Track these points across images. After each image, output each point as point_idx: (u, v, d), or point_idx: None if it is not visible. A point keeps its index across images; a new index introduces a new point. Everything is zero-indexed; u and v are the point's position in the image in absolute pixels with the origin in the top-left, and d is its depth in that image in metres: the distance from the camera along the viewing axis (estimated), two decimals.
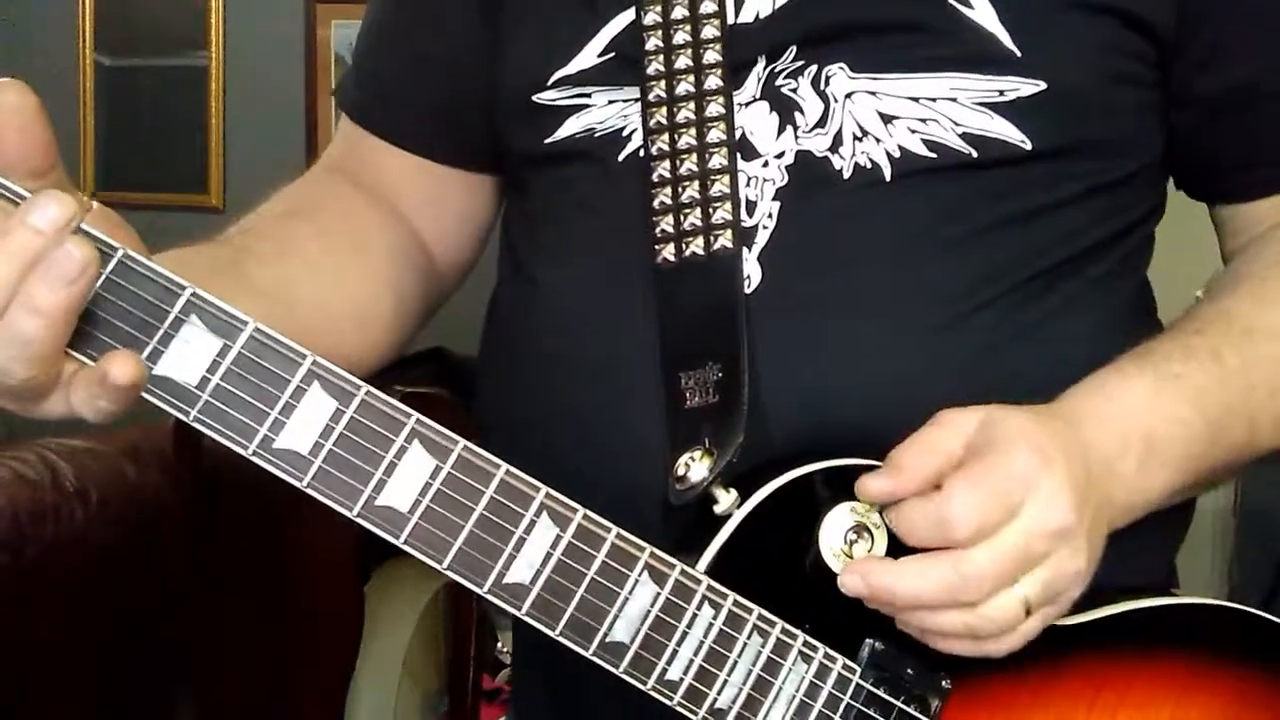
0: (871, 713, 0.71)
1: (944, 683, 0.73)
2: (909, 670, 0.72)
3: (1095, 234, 0.79)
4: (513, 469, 0.65)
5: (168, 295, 0.60)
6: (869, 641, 0.72)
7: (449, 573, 0.65)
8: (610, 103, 0.79)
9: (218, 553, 1.62)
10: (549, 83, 0.80)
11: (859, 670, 0.71)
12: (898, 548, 0.71)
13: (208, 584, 1.62)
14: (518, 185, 0.88)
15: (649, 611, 0.67)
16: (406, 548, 0.64)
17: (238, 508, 1.64)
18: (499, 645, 2.52)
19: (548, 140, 0.81)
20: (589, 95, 0.79)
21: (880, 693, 0.72)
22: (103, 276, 0.58)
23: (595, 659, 0.67)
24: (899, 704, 0.72)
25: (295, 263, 0.80)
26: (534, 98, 0.81)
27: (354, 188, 0.89)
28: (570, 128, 0.80)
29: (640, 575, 0.67)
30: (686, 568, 0.69)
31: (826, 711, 0.71)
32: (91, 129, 3.11)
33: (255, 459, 0.62)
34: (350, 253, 0.85)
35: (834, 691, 0.71)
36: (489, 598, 0.66)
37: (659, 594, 0.68)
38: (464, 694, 1.74)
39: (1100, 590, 0.75)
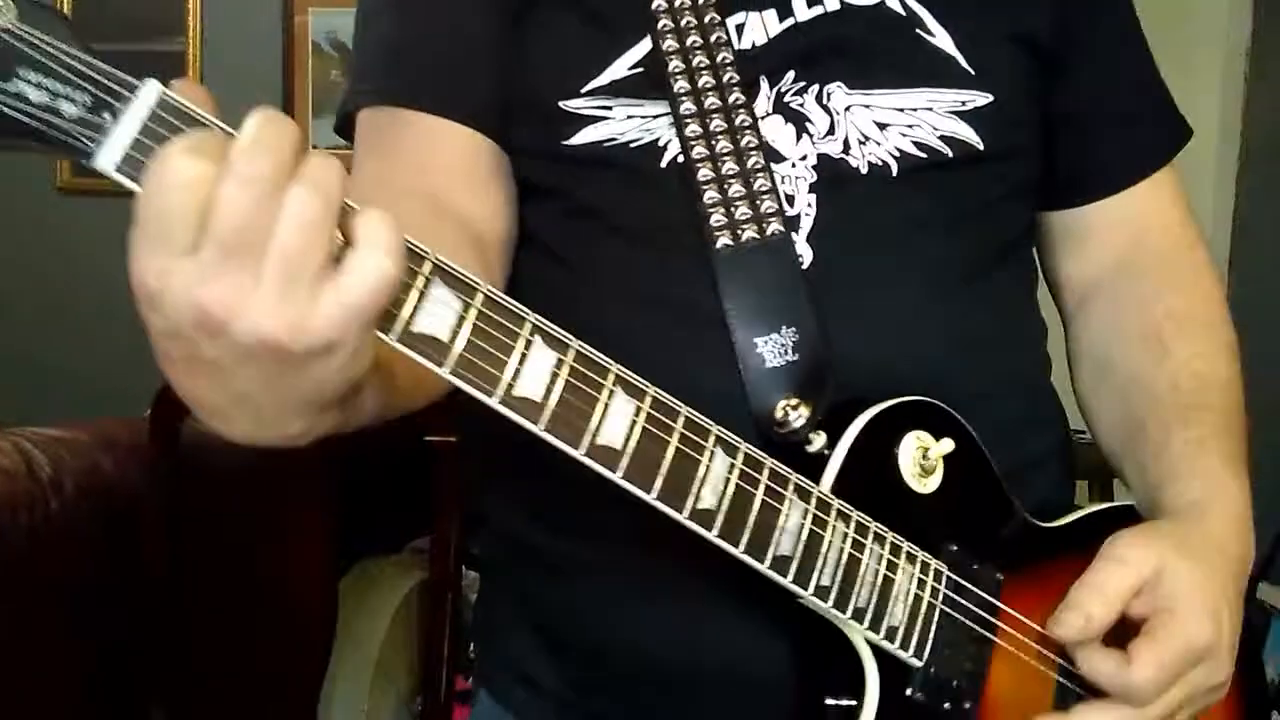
0: (962, 600, 0.85)
1: (998, 575, 0.87)
2: (975, 566, 0.86)
3: (1025, 221, 1.00)
4: (690, 409, 0.74)
5: (414, 258, 0.65)
6: (947, 545, 0.85)
7: (657, 502, 0.72)
8: (629, 117, 0.90)
9: (193, 545, 1.57)
10: (581, 91, 0.89)
11: (946, 568, 0.84)
12: (950, 477, 0.85)
13: (182, 576, 1.57)
14: (524, 182, 0.94)
15: (802, 525, 0.77)
16: (622, 482, 0.71)
17: (213, 500, 1.59)
18: (472, 645, 2.39)
19: (565, 143, 0.90)
20: (609, 109, 0.90)
21: (962, 582, 0.85)
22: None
23: (769, 572, 0.76)
24: (978, 592, 0.86)
25: None
26: (560, 103, 0.90)
27: (396, 197, 0.88)
28: (590, 135, 0.90)
29: (791, 495, 0.77)
30: (822, 490, 0.79)
31: (932, 601, 0.83)
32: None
33: (500, 408, 0.67)
34: None
35: (934, 584, 0.84)
36: (688, 523, 0.73)
37: (807, 509, 0.78)
38: (438, 694, 1.68)
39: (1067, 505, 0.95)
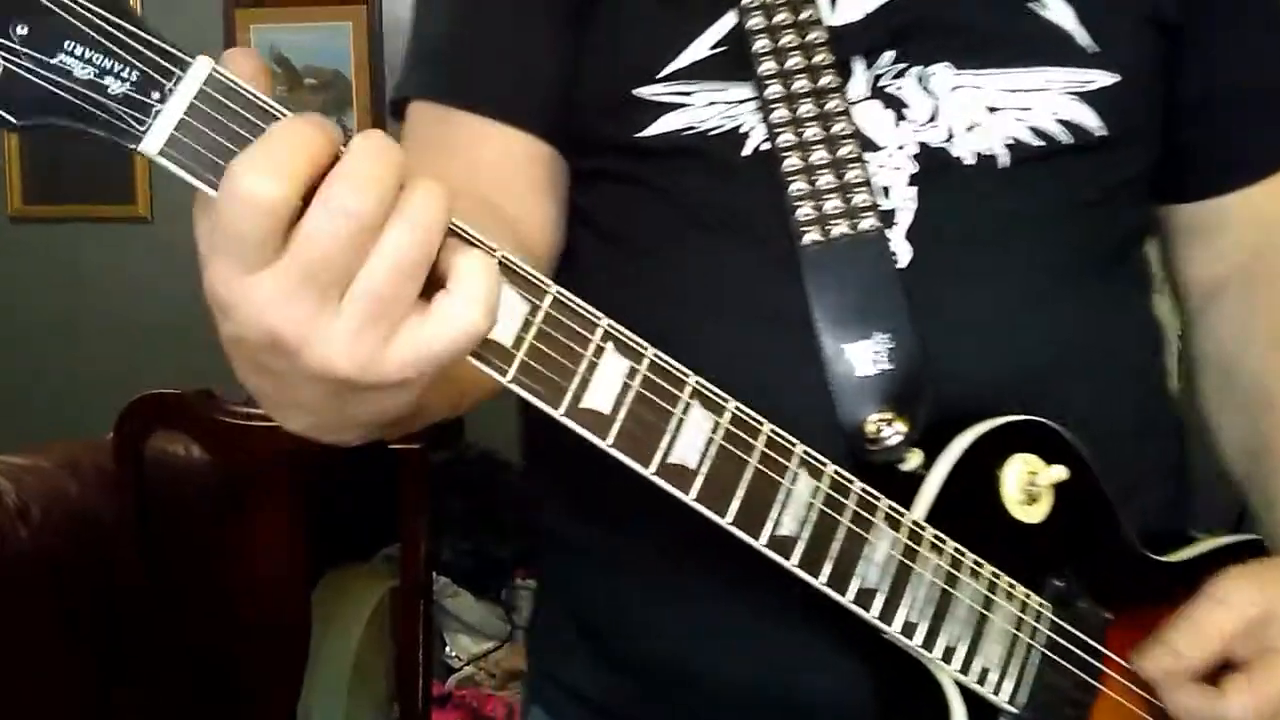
0: (1060, 640, 0.78)
1: (1106, 614, 0.80)
2: (1081, 604, 0.79)
3: (1144, 214, 0.92)
4: (773, 426, 0.68)
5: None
6: (1051, 580, 0.78)
7: (732, 527, 0.67)
8: (711, 104, 0.83)
9: (163, 565, 1.56)
10: (657, 76, 0.83)
11: (1050, 606, 0.78)
12: (1060, 505, 0.78)
13: (153, 597, 1.56)
14: (598, 174, 0.88)
15: (890, 556, 0.71)
16: (695, 504, 0.66)
17: (181, 520, 1.58)
18: (447, 649, 2.46)
19: (639, 134, 0.84)
20: (689, 95, 0.83)
21: (1064, 624, 0.78)
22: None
23: (852, 606, 0.70)
24: (1081, 634, 0.79)
25: None
26: (635, 91, 0.83)
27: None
28: (667, 124, 0.83)
29: (880, 523, 0.71)
30: (916, 519, 0.73)
31: (1031, 642, 0.76)
32: (15, 142, 2.96)
33: (566, 420, 0.62)
34: None
35: (1034, 624, 0.77)
36: (766, 551, 0.68)
37: (896, 539, 0.72)
38: (414, 699, 1.68)
39: (1181, 532, 0.87)
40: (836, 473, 0.70)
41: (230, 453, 1.36)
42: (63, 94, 0.53)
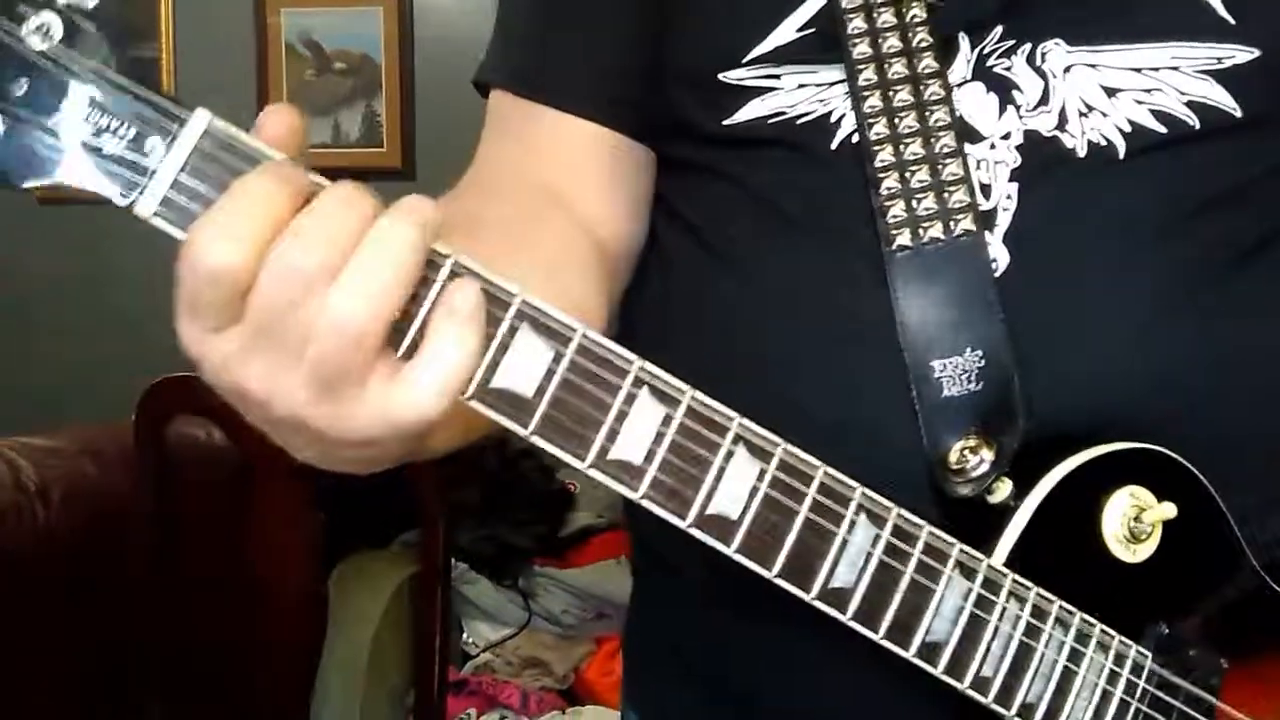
0: (1162, 695, 0.71)
1: (1222, 662, 0.73)
2: (1191, 653, 0.72)
3: None
4: (830, 469, 0.63)
5: (497, 303, 0.57)
6: (1154, 626, 0.71)
7: (778, 580, 0.63)
8: (800, 86, 0.77)
9: (181, 549, 1.60)
10: (744, 60, 0.77)
11: (1150, 656, 0.71)
12: (1170, 543, 0.71)
13: (172, 580, 1.60)
14: (686, 165, 0.84)
15: (962, 608, 0.66)
16: (737, 556, 0.62)
17: (200, 504, 1.60)
18: (464, 636, 2.52)
19: (726, 122, 0.78)
20: (778, 77, 0.77)
21: (1169, 675, 0.71)
22: (437, 283, 0.55)
23: (916, 660, 0.66)
24: (1187, 685, 0.72)
25: None
26: (720, 76, 0.78)
27: (513, 189, 0.83)
28: (754, 110, 0.78)
29: (952, 573, 0.66)
30: (992, 563, 0.67)
31: (1125, 697, 0.70)
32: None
33: (593, 472, 0.59)
34: (518, 269, 0.78)
35: (1131, 678, 0.70)
36: (816, 604, 0.64)
37: (970, 590, 0.66)
38: (430, 686, 1.71)
39: None
40: (901, 516, 0.65)
41: (251, 437, 1.34)
42: (62, 152, 0.52)
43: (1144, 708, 0.71)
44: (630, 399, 0.59)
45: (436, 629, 1.67)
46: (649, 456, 0.59)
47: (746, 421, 0.61)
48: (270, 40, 3.03)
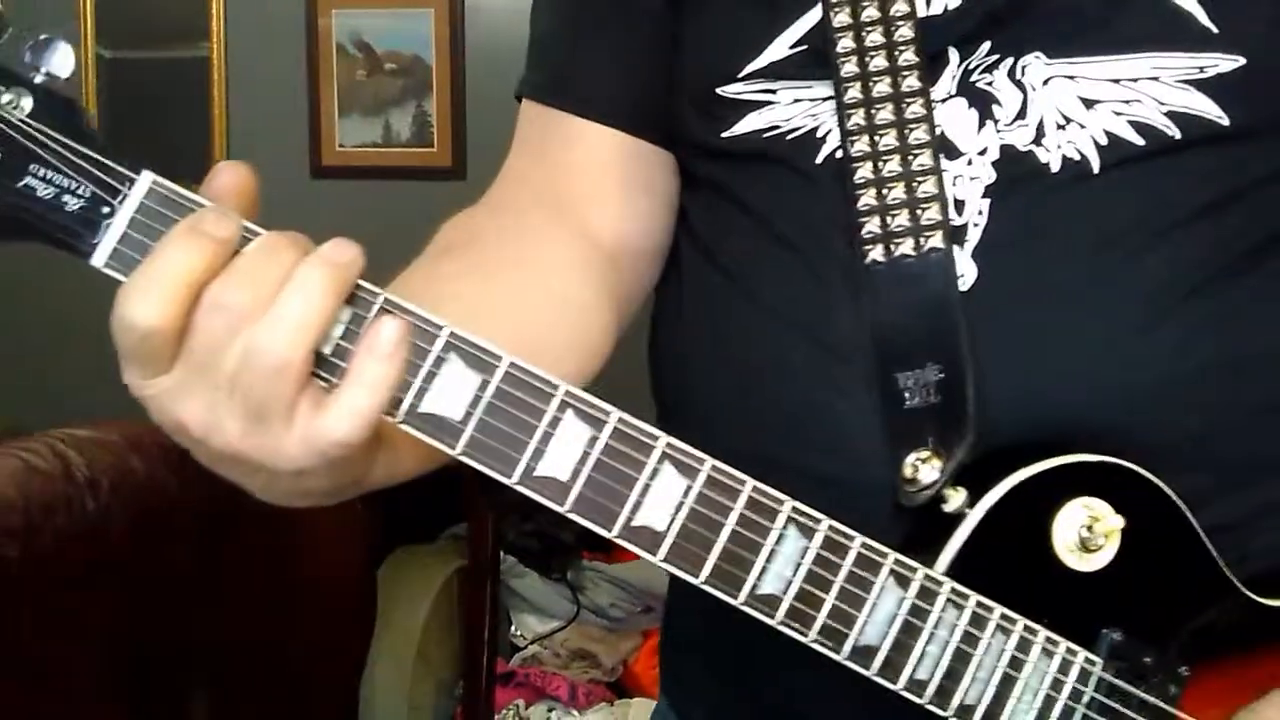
0: (1113, 703, 0.72)
1: (1183, 670, 0.73)
2: (1147, 660, 0.73)
3: None
4: (759, 484, 0.66)
5: (425, 335, 0.62)
6: (1107, 633, 0.72)
7: (706, 586, 0.66)
8: (796, 101, 0.79)
9: (229, 542, 1.61)
10: (739, 75, 0.80)
11: (1100, 663, 0.72)
12: (1128, 552, 0.71)
13: (220, 574, 1.61)
14: (692, 177, 0.87)
15: (895, 615, 0.69)
16: (664, 565, 0.66)
17: (246, 498, 1.62)
18: (512, 629, 2.56)
19: (724, 134, 0.81)
20: (774, 92, 0.80)
21: (1121, 683, 0.72)
22: (367, 320, 0.60)
23: (847, 662, 0.68)
24: (1140, 693, 0.72)
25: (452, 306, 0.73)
26: (718, 89, 0.81)
27: (524, 214, 0.87)
28: (751, 124, 0.80)
29: (885, 581, 0.68)
30: (929, 572, 0.70)
31: (1071, 703, 0.71)
32: (94, 122, 3.17)
33: (520, 488, 0.64)
34: (510, 282, 0.82)
35: (1077, 685, 0.71)
36: (743, 608, 0.67)
37: (904, 598, 0.69)
38: (478, 678, 1.74)
39: None
40: (832, 529, 0.67)
41: None
42: (29, 215, 0.59)
43: (1092, 714, 0.72)
44: (555, 422, 0.63)
45: (485, 622, 1.70)
46: (574, 474, 0.64)
47: (674, 440, 0.65)
48: (321, 41, 3.07)
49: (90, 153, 0.59)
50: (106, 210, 0.59)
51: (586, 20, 0.88)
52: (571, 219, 0.86)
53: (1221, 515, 0.75)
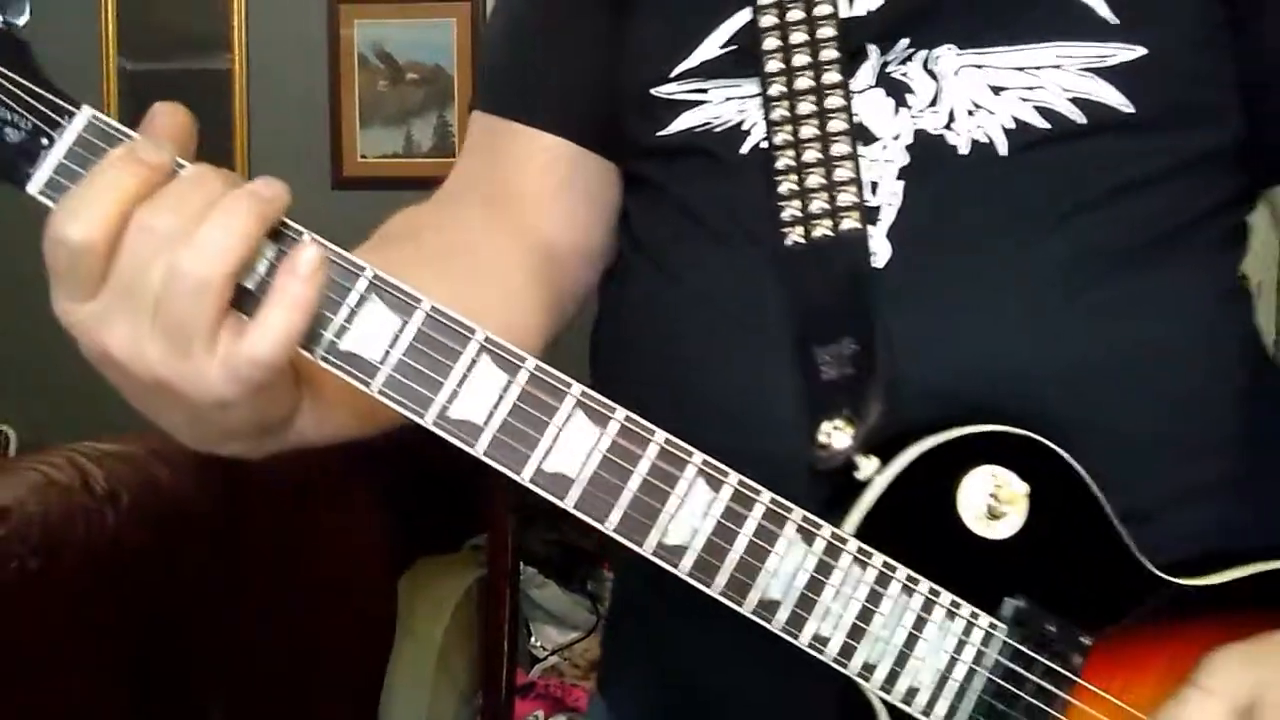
0: (1016, 668, 0.74)
1: (1084, 639, 0.75)
2: (1050, 627, 0.74)
3: (1202, 203, 0.81)
4: (670, 436, 0.69)
5: (348, 275, 0.64)
6: (1011, 600, 0.74)
7: (614, 534, 0.68)
8: (728, 99, 0.82)
9: (250, 554, 1.61)
10: (671, 75, 0.83)
11: (1004, 628, 0.74)
12: (1034, 522, 0.73)
13: (240, 585, 1.61)
14: (631, 176, 0.90)
15: (799, 569, 0.71)
16: (574, 511, 0.68)
17: (269, 508, 1.61)
18: (532, 639, 2.54)
19: (660, 134, 0.85)
20: (706, 91, 0.83)
21: (1024, 649, 0.74)
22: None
23: (752, 616, 0.70)
24: (1043, 659, 0.74)
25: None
26: (652, 90, 0.84)
27: (466, 208, 0.90)
28: (685, 122, 0.84)
29: (792, 536, 0.71)
30: (835, 530, 0.72)
31: (974, 667, 0.73)
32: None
33: (435, 429, 0.66)
34: (445, 266, 0.84)
35: (980, 648, 0.73)
36: (651, 558, 0.69)
37: (809, 553, 0.71)
38: (498, 689, 1.73)
39: (1239, 552, 0.78)
40: (742, 483, 0.70)
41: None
42: None
43: (995, 678, 0.73)
44: (471, 365, 0.66)
45: (504, 632, 1.70)
46: (489, 418, 0.66)
47: (588, 390, 0.67)
48: (343, 51, 3.10)
49: (34, 87, 0.62)
50: (45, 142, 0.62)
51: (529, 33, 0.93)
52: (511, 215, 0.89)
53: (1137, 499, 0.77)
